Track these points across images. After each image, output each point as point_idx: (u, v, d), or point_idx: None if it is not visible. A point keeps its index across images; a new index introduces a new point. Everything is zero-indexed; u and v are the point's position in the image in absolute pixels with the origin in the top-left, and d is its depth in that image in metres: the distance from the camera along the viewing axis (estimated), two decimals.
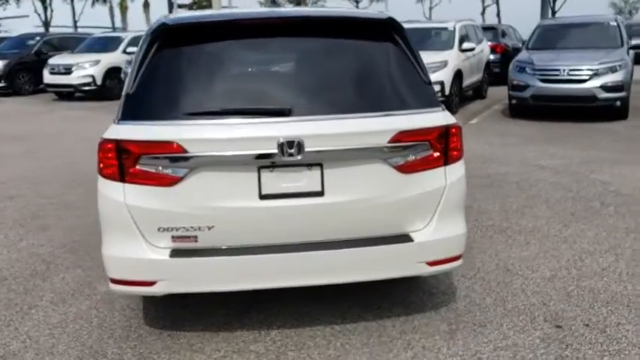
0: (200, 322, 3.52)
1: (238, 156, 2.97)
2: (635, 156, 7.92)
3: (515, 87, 11.40)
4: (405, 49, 3.29)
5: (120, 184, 3.04)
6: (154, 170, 3.01)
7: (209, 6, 31.96)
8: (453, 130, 3.23)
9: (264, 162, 3.00)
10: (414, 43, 3.34)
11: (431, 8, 56.40)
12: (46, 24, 46.00)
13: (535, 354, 3.13)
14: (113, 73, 17.09)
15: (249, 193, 3.03)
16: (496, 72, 15.94)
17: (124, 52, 17.26)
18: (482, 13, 52.22)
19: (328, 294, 3.74)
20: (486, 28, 18.03)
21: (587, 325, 3.41)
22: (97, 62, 17.03)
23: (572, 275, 4.11)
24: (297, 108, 3.06)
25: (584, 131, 9.94)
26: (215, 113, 3.05)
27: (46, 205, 6.19)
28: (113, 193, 3.05)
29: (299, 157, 2.97)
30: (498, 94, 14.38)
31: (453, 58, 12.33)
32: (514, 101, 11.58)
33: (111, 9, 49.94)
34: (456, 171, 3.27)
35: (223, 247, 3.09)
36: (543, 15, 25.52)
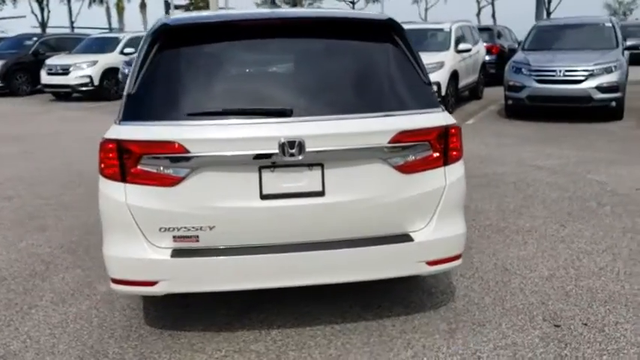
0: (201, 322, 3.53)
1: (239, 156, 2.98)
2: (630, 156, 7.96)
3: (512, 88, 11.45)
4: (404, 50, 3.31)
5: (121, 184, 3.05)
6: (155, 170, 3.02)
7: (206, 7, 31.97)
8: (453, 130, 3.25)
9: (265, 162, 3.01)
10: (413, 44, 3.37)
11: (426, 9, 56.51)
12: (43, 25, 45.87)
13: (534, 353, 3.15)
14: (110, 73, 17.09)
15: (250, 193, 3.04)
16: (492, 73, 16.02)
17: (122, 52, 17.21)
18: (478, 14, 52.43)
19: (328, 293, 3.76)
20: (482, 29, 18.11)
21: (586, 325, 3.44)
22: (94, 63, 17.04)
23: (570, 275, 4.14)
24: (297, 108, 3.07)
25: (580, 132, 9.98)
26: (216, 113, 3.06)
27: (44, 206, 6.19)
28: (114, 193, 3.06)
29: (300, 157, 2.98)
30: (494, 94, 14.43)
31: (449, 59, 12.37)
32: (510, 102, 11.62)
33: (107, 10, 49.89)
34: (455, 171, 3.29)
35: (224, 247, 3.10)
36: (538, 16, 25.59)
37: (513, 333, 3.36)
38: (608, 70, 10.72)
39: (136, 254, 3.08)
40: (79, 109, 15.30)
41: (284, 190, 3.06)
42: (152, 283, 3.11)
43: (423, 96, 3.29)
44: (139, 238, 3.07)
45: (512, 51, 15.80)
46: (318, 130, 3.01)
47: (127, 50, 16.54)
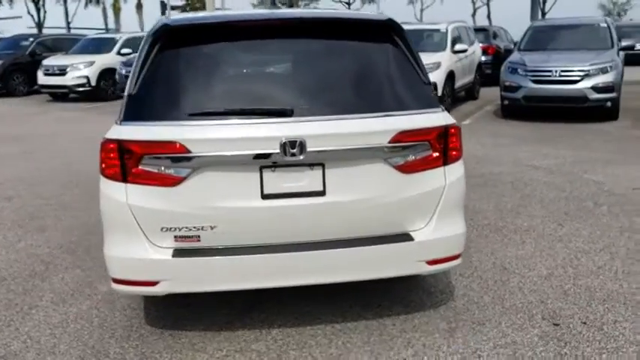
0: (202, 322, 3.54)
1: (241, 156, 2.99)
2: (626, 156, 8.00)
3: (508, 88, 11.49)
4: (404, 50, 3.32)
5: (122, 185, 3.05)
6: (156, 170, 3.03)
7: (202, 7, 31.94)
8: (452, 130, 3.27)
9: (266, 162, 3.02)
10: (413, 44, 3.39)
11: (422, 10, 56.63)
12: (39, 25, 45.80)
13: (534, 351, 3.17)
14: (107, 74, 17.09)
15: (251, 193, 3.05)
16: (488, 73, 16.05)
17: (119, 53, 17.24)
18: (473, 14, 52.57)
19: (328, 293, 3.77)
20: (478, 30, 18.14)
21: (585, 323, 3.46)
22: (91, 63, 17.01)
23: (569, 274, 4.16)
24: (298, 108, 3.08)
25: (576, 132, 10.03)
26: (217, 113, 3.07)
27: (44, 206, 6.18)
28: (115, 193, 3.07)
29: (301, 157, 3.00)
30: (490, 95, 14.48)
31: (445, 59, 12.40)
32: (506, 102, 11.66)
33: (104, 10, 49.84)
34: (455, 171, 3.31)
35: (225, 247, 3.11)
36: (533, 16, 25.65)
37: (513, 332, 3.38)
38: (604, 71, 10.77)
39: (138, 254, 3.08)
40: (76, 109, 15.28)
41: (285, 190, 3.08)
42: (153, 283, 3.11)
43: (422, 96, 3.31)
44: (141, 238, 3.07)
45: (508, 51, 15.84)
46: (319, 130, 3.03)
47: (124, 51, 16.59)
